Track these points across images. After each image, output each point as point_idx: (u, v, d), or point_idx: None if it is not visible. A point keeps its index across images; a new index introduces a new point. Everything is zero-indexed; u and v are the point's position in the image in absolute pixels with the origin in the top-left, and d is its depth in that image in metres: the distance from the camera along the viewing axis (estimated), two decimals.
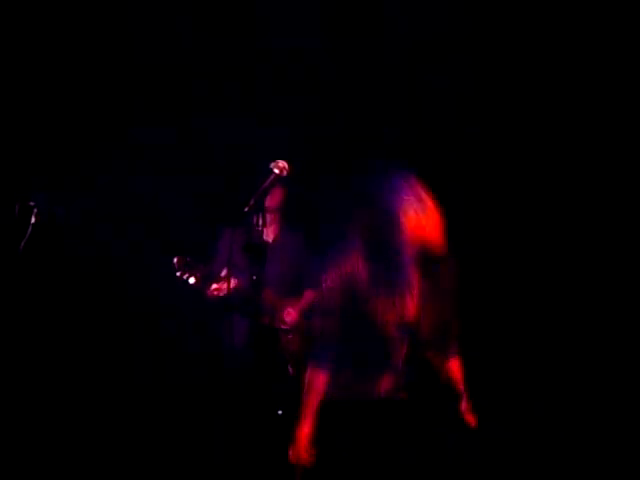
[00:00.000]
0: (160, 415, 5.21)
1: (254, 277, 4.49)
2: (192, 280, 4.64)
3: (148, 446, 5.12)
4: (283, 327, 4.77)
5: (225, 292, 4.61)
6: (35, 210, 4.13)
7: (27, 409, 5.02)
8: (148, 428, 5.18)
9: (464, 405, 3.54)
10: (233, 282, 4.58)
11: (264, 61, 5.36)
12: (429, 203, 3.34)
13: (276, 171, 3.77)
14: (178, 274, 4.64)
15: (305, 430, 3.38)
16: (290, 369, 4.73)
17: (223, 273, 4.64)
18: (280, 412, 4.51)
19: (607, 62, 4.89)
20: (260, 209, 3.82)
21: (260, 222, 3.86)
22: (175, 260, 4.65)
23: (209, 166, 5.40)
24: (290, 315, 4.79)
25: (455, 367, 3.61)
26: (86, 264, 5.26)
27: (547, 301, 4.97)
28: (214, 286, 4.67)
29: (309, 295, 4.81)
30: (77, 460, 4.99)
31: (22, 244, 4.05)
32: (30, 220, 4.08)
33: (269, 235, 4.91)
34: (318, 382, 3.40)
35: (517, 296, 4.98)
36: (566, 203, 5.00)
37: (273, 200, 4.84)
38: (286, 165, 3.77)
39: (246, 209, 3.77)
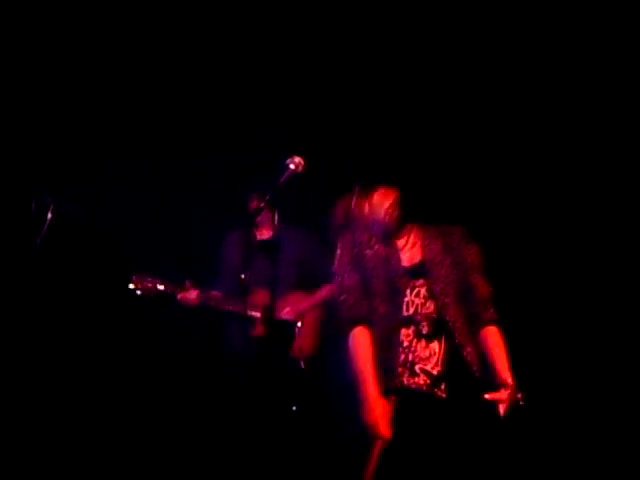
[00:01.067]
0: (167, 417, 5.21)
1: (242, 276, 4.57)
2: (151, 294, 4.69)
3: (153, 448, 5.11)
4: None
5: (193, 302, 4.72)
6: (51, 206, 4.16)
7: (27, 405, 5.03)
8: (153, 431, 5.18)
9: (507, 386, 3.19)
10: (194, 292, 4.72)
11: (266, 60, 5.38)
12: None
13: (292, 167, 3.73)
14: (138, 293, 4.68)
15: (370, 398, 3.22)
16: (302, 364, 4.75)
17: (188, 284, 4.73)
18: (294, 408, 4.51)
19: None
20: (276, 206, 3.81)
21: (276, 219, 3.85)
22: (134, 278, 4.67)
23: (215, 167, 5.42)
24: (288, 314, 4.82)
25: (493, 337, 3.32)
26: (99, 260, 5.27)
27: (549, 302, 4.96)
28: (179, 296, 4.72)
29: (326, 290, 4.83)
30: (77, 460, 4.99)
31: (38, 240, 4.07)
32: (46, 216, 4.11)
33: (262, 234, 4.94)
34: (354, 341, 3.33)
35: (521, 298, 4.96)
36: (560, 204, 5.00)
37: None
38: (302, 161, 3.73)
39: (262, 205, 3.76)
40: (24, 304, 4.51)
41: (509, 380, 3.22)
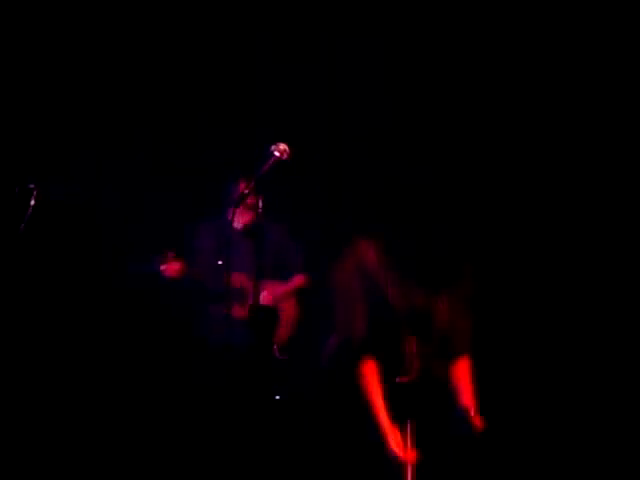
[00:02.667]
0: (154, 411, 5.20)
1: (220, 262, 4.57)
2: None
3: (133, 441, 5.10)
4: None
5: (176, 274, 4.76)
6: (35, 192, 4.16)
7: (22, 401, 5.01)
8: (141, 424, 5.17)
9: (470, 410, 3.34)
10: (178, 264, 4.77)
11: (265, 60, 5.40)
12: None
13: (277, 154, 3.74)
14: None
15: (385, 430, 3.31)
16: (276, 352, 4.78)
17: (170, 255, 4.77)
18: (278, 397, 4.51)
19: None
20: (260, 192, 3.82)
21: (260, 204, 3.86)
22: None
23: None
24: (265, 299, 4.82)
25: (463, 368, 3.46)
26: (83, 248, 5.26)
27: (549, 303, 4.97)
28: (162, 267, 4.76)
29: (298, 279, 4.98)
30: (76, 459, 4.97)
31: (22, 226, 4.07)
32: (30, 202, 4.10)
33: (239, 223, 4.96)
34: (365, 374, 3.36)
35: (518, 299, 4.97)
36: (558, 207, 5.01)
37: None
38: (287, 148, 3.74)
39: (246, 191, 3.77)
40: (7, 291, 4.49)
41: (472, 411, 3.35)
